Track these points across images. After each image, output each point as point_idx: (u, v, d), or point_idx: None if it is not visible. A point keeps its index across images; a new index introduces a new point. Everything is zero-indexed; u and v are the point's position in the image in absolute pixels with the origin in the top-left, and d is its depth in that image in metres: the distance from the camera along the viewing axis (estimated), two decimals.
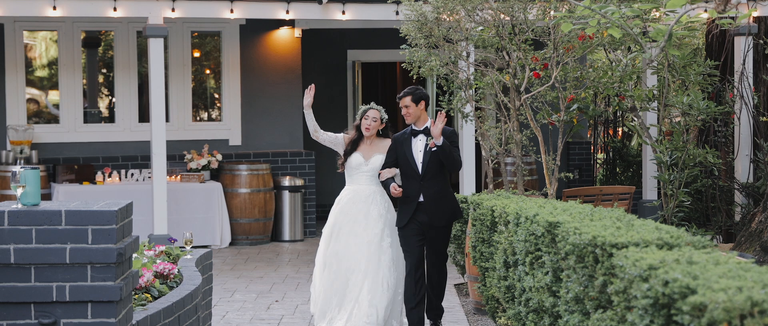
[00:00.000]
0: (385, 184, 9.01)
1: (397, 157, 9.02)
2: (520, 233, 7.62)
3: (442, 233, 9.02)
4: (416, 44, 10.73)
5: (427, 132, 8.93)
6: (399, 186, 8.96)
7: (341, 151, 9.36)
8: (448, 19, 10.72)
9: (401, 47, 10.90)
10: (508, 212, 8.04)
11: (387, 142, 9.18)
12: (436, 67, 10.55)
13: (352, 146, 9.27)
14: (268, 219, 15.24)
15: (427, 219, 8.92)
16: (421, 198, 8.92)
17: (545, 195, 10.41)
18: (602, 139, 17.52)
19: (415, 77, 10.95)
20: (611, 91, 10.38)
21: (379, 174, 9.02)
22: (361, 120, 9.22)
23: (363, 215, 9.12)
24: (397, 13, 13.35)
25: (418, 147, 8.94)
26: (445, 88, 11.22)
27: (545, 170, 10.29)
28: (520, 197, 8.87)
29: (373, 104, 9.24)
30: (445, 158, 8.83)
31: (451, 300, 10.67)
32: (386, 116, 9.26)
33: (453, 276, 11.61)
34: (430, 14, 10.68)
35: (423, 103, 8.95)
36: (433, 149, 8.79)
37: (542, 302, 7.20)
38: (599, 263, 5.73)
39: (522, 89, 10.32)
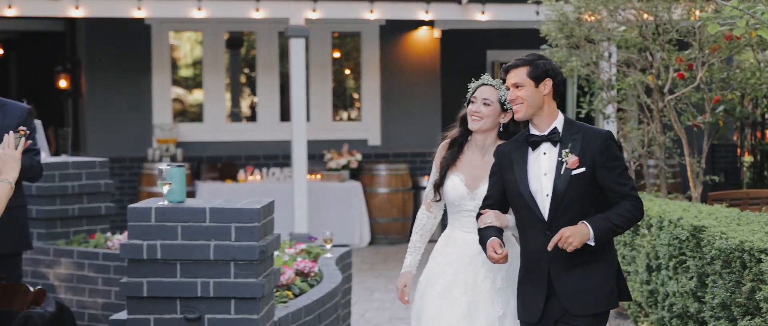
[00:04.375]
0: (483, 237, 5.23)
1: (504, 183, 5.27)
2: (663, 237, 7.48)
3: None
4: (557, 44, 10.62)
5: (556, 137, 5.16)
6: (502, 242, 5.15)
7: (435, 174, 5.70)
8: (589, 19, 10.58)
9: (541, 47, 10.80)
10: (651, 215, 7.90)
11: None
12: (576, 68, 10.42)
13: (450, 158, 5.66)
14: (406, 219, 15.27)
15: (560, 305, 5.12)
16: (549, 265, 5.12)
17: (689, 199, 10.20)
18: (749, 141, 17.09)
19: None
20: (759, 93, 10.11)
21: (479, 213, 5.33)
22: (467, 106, 5.66)
23: (462, 289, 5.49)
24: (537, 13, 13.24)
25: (542, 166, 5.16)
26: (585, 89, 11.08)
27: (689, 173, 10.08)
28: (663, 200, 8.70)
29: (486, 77, 5.68)
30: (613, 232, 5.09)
31: None
32: (507, 95, 5.42)
33: None
34: (571, 14, 10.55)
35: (548, 82, 5.17)
36: (573, 171, 5.07)
37: (687, 307, 7.05)
38: (747, 269, 5.58)
39: (665, 90, 10.13)
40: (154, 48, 15.35)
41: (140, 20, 14.75)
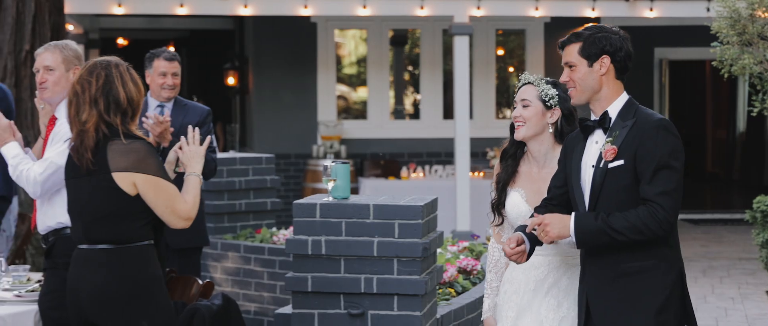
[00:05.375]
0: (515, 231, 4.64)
1: (566, 175, 4.61)
2: None
3: None
4: (728, 41, 10.33)
5: (607, 123, 4.51)
6: (527, 238, 4.51)
7: (492, 194, 5.11)
8: (763, 16, 10.26)
9: (711, 45, 10.53)
10: None
11: None
12: (749, 65, 10.12)
13: (506, 173, 5.00)
14: None
15: None
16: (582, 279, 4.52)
17: None
18: None
19: (726, 76, 10.55)
20: None
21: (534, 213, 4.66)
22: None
23: (529, 320, 4.82)
24: (708, 9, 12.92)
25: (592, 156, 4.52)
26: (758, 87, 10.76)
27: None
28: None
29: (525, 75, 5.00)
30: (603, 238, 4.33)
31: (762, 308, 10.21)
32: (556, 93, 4.95)
33: (764, 282, 11.11)
34: (744, 10, 10.25)
35: (605, 60, 4.46)
36: (610, 163, 4.39)
37: None
38: None
39: None
40: (319, 46, 15.53)
41: (306, 18, 14.95)
